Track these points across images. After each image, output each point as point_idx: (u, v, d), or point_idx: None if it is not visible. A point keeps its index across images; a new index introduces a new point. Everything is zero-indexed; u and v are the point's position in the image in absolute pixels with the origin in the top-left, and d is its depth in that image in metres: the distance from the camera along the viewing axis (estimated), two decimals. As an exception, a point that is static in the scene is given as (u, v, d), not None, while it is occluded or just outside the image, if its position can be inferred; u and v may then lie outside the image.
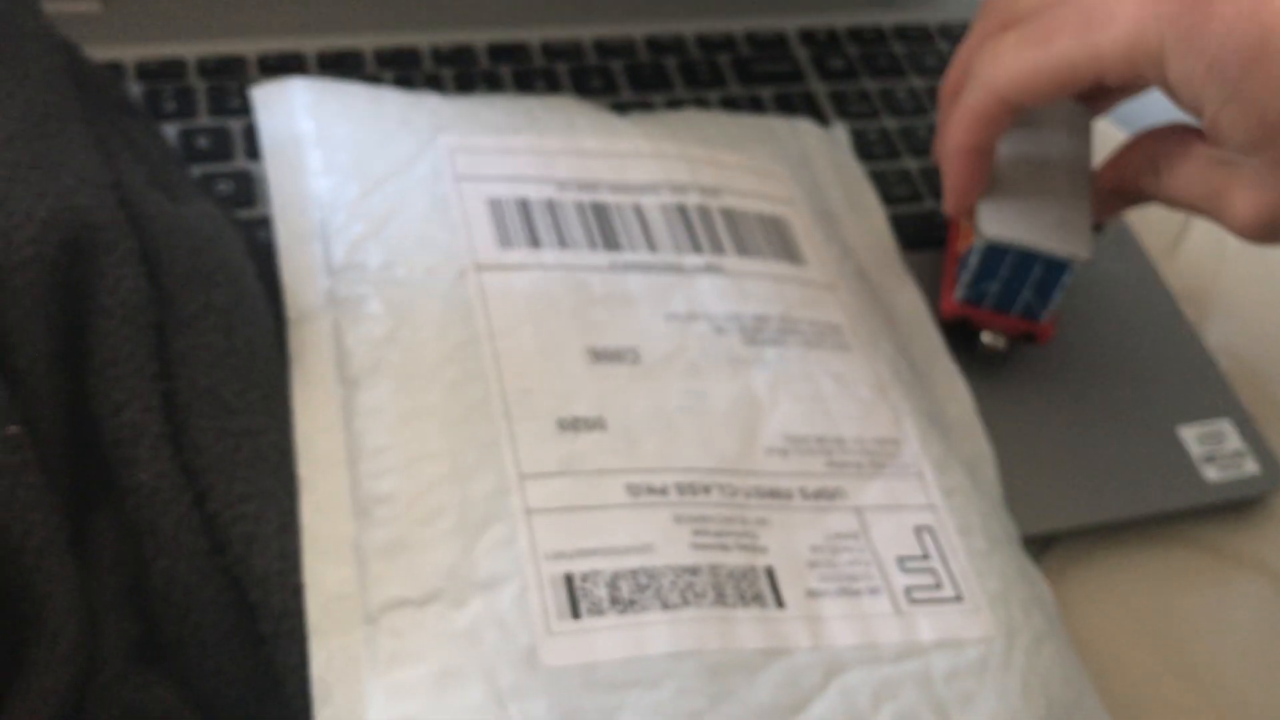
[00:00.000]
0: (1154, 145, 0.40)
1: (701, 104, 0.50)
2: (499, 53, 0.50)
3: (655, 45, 0.52)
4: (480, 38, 0.50)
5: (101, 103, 0.39)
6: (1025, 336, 0.44)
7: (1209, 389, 0.47)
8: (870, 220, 0.47)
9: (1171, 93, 0.35)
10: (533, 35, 0.51)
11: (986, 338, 0.44)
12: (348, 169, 0.40)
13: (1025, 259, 0.41)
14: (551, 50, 0.51)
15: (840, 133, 0.50)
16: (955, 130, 0.40)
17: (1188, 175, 0.38)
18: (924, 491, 0.37)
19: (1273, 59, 0.32)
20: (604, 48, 0.51)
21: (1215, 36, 0.33)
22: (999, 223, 0.41)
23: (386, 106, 0.42)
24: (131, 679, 0.29)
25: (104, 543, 0.31)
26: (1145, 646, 0.41)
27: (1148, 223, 0.53)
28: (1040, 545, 0.42)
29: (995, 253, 0.41)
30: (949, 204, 0.42)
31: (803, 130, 0.49)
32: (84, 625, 0.29)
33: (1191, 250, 0.54)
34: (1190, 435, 0.45)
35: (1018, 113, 0.39)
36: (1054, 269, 0.41)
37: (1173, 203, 0.39)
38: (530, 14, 0.52)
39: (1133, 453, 0.44)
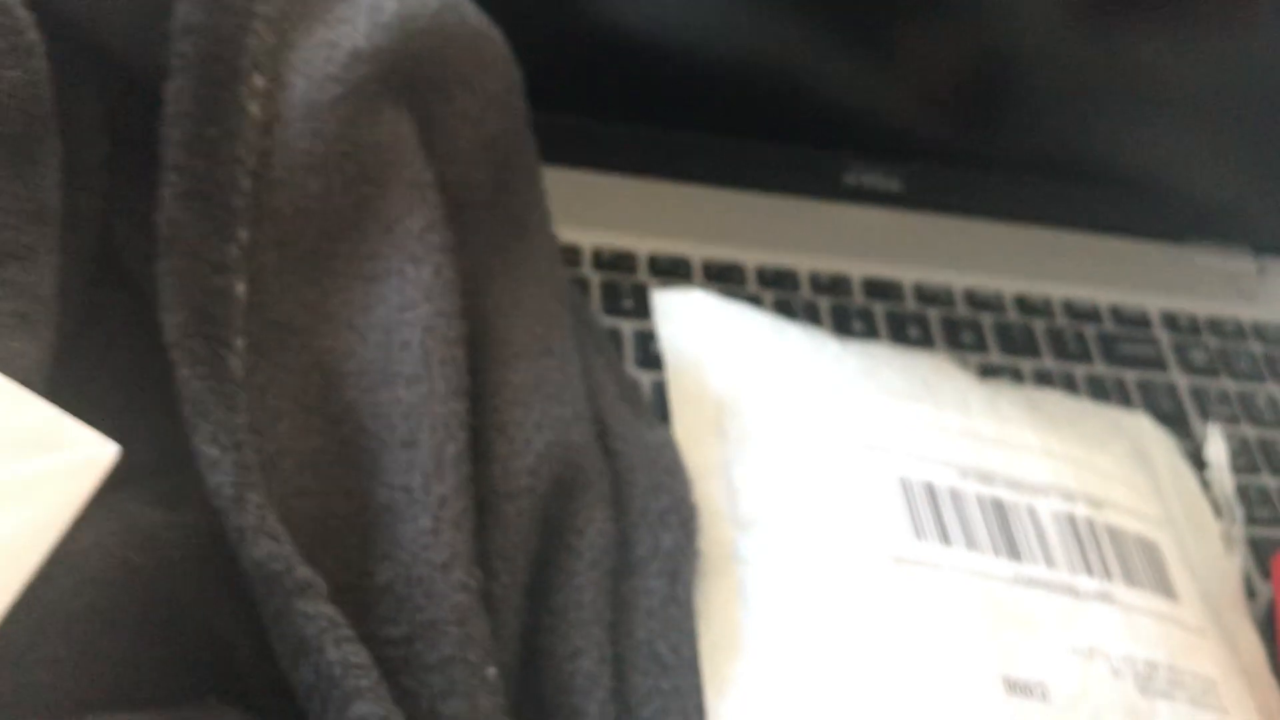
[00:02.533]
0: None
1: (1068, 378, 0.49)
2: (873, 288, 0.50)
3: (1024, 305, 0.52)
4: (856, 270, 0.50)
5: (574, 307, 0.39)
6: None
7: None
8: (1209, 544, 0.45)
9: None
10: (906, 275, 0.51)
11: None
12: (757, 409, 0.39)
13: None
14: (924, 294, 0.51)
15: (1169, 436, 0.48)
16: None
17: None
18: None
19: None
20: (974, 299, 0.51)
21: None
22: None
23: (792, 346, 0.42)
24: None
25: None
26: None
27: None
28: None
29: None
30: None
31: (1144, 429, 0.47)
32: None
33: None
34: None
35: None
36: None
37: None
38: (906, 252, 0.52)
39: None
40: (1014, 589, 0.37)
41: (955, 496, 0.39)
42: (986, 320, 0.50)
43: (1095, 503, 0.41)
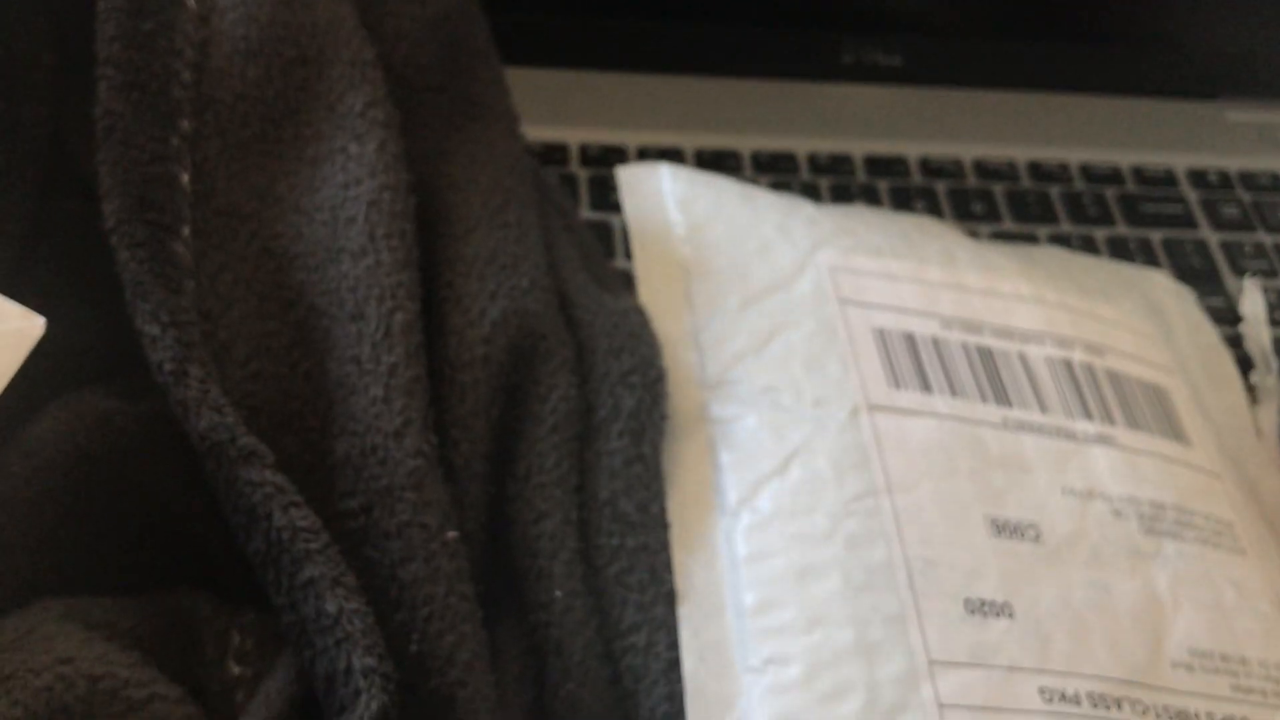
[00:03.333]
0: None
1: (1087, 241, 0.48)
2: (876, 165, 0.49)
3: (1038, 172, 0.50)
4: (858, 148, 0.49)
5: (537, 182, 0.39)
6: None
7: None
8: (1230, 396, 0.43)
9: None
10: (912, 150, 0.49)
11: None
12: (724, 274, 0.38)
13: None
14: (930, 168, 0.49)
15: (1189, 291, 0.46)
16: None
17: None
18: (1332, 733, 0.33)
19: None
20: (984, 169, 0.49)
21: None
22: None
23: (761, 210, 0.41)
24: None
25: (510, 656, 0.30)
26: None
27: None
28: None
29: None
30: None
31: (1157, 282, 0.45)
32: None
33: None
34: None
35: None
36: None
37: None
38: (910, 128, 0.50)
39: None
40: (1002, 433, 0.36)
41: (937, 345, 0.38)
42: (998, 189, 0.49)
43: (1094, 349, 0.40)
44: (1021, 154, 0.50)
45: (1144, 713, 0.31)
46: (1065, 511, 0.34)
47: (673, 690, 0.29)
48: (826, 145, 0.49)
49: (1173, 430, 0.39)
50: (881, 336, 0.37)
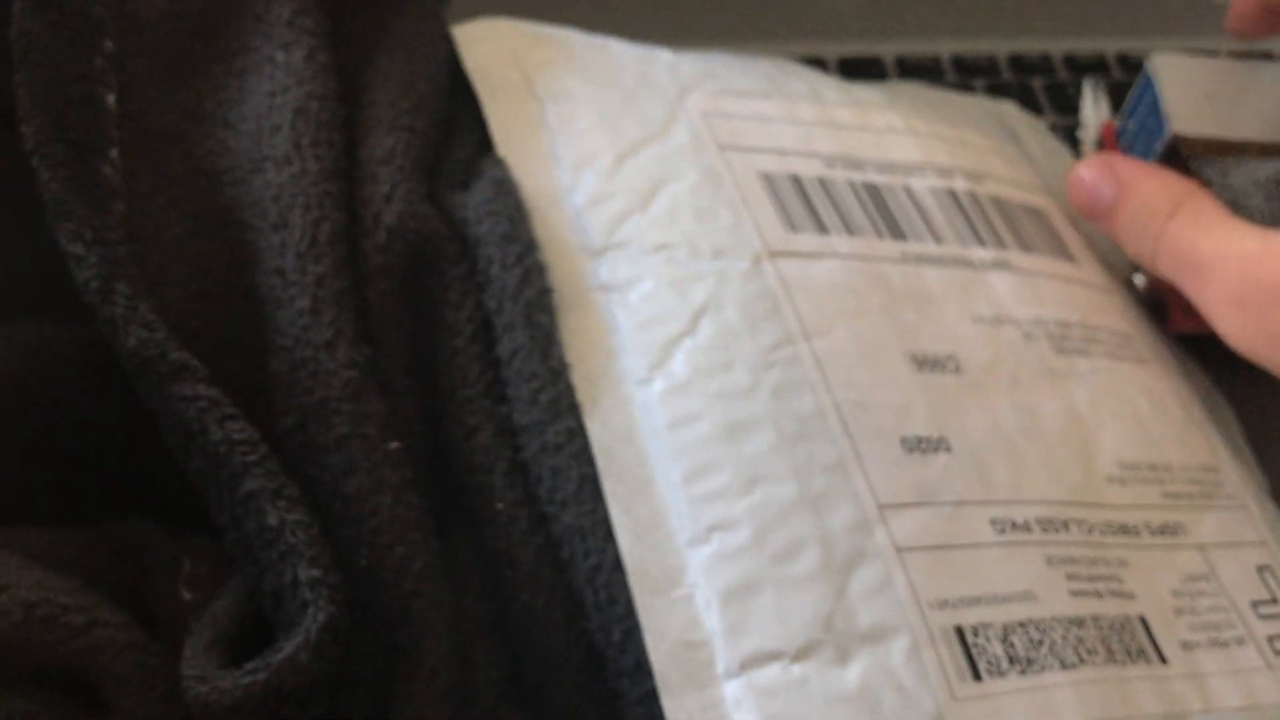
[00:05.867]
0: None
1: (1071, 135, 0.46)
2: (850, 67, 0.47)
3: (1020, 64, 0.49)
4: (833, 51, 0.47)
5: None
6: None
7: None
8: None
9: None
10: (888, 50, 0.48)
11: None
12: (592, 128, 0.35)
13: None
14: (907, 66, 0.48)
15: (1036, 119, 0.46)
16: None
17: None
18: (1252, 526, 0.33)
19: None
20: (964, 65, 0.48)
21: None
22: None
23: (618, 58, 0.38)
24: (502, 714, 0.27)
25: (469, 569, 0.28)
26: None
27: None
28: None
29: None
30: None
31: (1008, 113, 0.45)
32: (462, 655, 0.27)
33: None
34: None
35: None
36: None
37: None
38: (885, 27, 0.49)
39: None
40: (904, 267, 0.34)
41: (825, 185, 0.36)
42: (979, 85, 0.47)
43: (973, 176, 0.38)
44: (1002, 47, 0.49)
45: (1090, 531, 0.30)
46: (979, 340, 0.33)
47: (614, 575, 0.27)
48: (802, 48, 0.47)
49: (1061, 250, 0.38)
50: (769, 180, 0.35)
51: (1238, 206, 0.38)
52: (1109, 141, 0.44)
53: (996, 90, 0.48)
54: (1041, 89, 0.48)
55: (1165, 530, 0.31)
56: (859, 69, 0.48)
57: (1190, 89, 0.41)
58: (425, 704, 0.26)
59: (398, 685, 0.27)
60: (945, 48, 0.49)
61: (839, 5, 0.50)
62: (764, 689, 0.25)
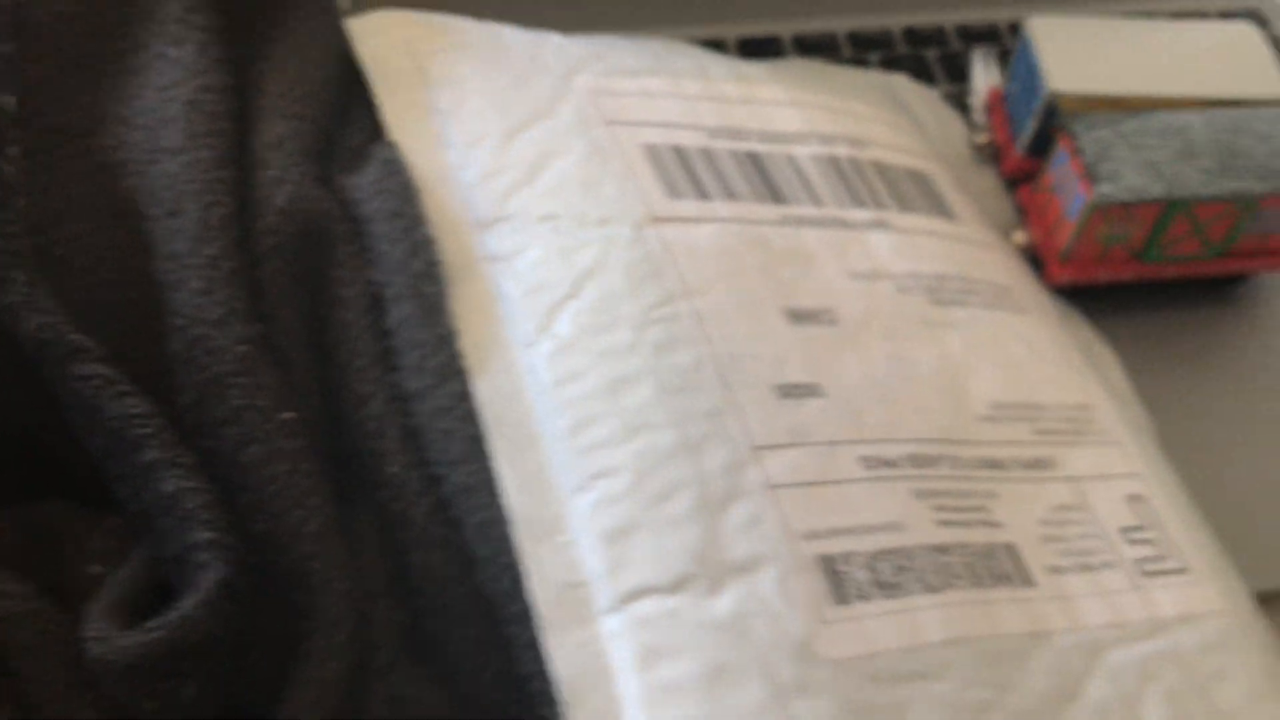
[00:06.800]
0: None
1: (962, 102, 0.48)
2: (750, 47, 0.48)
3: (914, 37, 0.50)
4: (732, 32, 0.49)
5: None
6: None
7: None
8: (984, 179, 0.45)
9: None
10: (785, 29, 0.49)
11: None
12: (482, 110, 0.36)
13: None
14: (805, 44, 0.49)
15: (929, 89, 0.48)
16: None
17: None
18: (1125, 460, 0.35)
19: None
20: (859, 40, 0.49)
21: None
22: None
23: (508, 43, 0.39)
24: (401, 669, 0.28)
25: (367, 530, 0.30)
26: None
27: None
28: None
29: None
30: None
31: (898, 85, 0.47)
32: (360, 613, 0.28)
33: None
34: None
35: None
36: None
37: None
38: (779, 5, 0.50)
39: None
40: (783, 230, 0.36)
41: (707, 155, 0.37)
42: (874, 59, 0.49)
43: (856, 142, 0.40)
44: (897, 21, 0.50)
45: (959, 466, 0.32)
46: (855, 294, 0.35)
47: (502, 528, 0.28)
48: (703, 31, 0.48)
49: (941, 209, 0.40)
50: (652, 152, 0.36)
51: (1103, 158, 0.39)
52: (995, 105, 0.45)
53: (892, 63, 0.49)
54: (935, 60, 0.50)
55: (1036, 464, 0.33)
56: (758, 49, 0.49)
57: (1066, 49, 0.42)
58: (324, 659, 0.27)
59: (298, 644, 0.28)
60: (842, 25, 0.50)
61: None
62: (640, 621, 0.26)
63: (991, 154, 0.45)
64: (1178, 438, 0.39)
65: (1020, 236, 0.42)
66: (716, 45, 0.49)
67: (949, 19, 0.51)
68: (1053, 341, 0.37)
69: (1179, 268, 0.42)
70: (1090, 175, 0.39)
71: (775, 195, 0.37)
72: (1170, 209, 0.40)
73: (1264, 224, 0.41)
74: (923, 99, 0.47)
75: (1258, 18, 0.52)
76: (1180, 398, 0.41)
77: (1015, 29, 0.53)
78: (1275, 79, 0.43)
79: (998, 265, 0.39)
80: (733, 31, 0.50)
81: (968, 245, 0.39)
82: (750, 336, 0.32)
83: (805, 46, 0.49)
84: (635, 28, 0.49)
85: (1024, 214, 0.43)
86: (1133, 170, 0.39)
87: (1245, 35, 0.43)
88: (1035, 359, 0.36)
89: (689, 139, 0.37)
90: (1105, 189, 0.39)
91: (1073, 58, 0.42)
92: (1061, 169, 0.41)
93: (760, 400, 0.30)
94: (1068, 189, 0.40)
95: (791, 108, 0.40)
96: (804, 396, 0.31)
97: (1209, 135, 0.40)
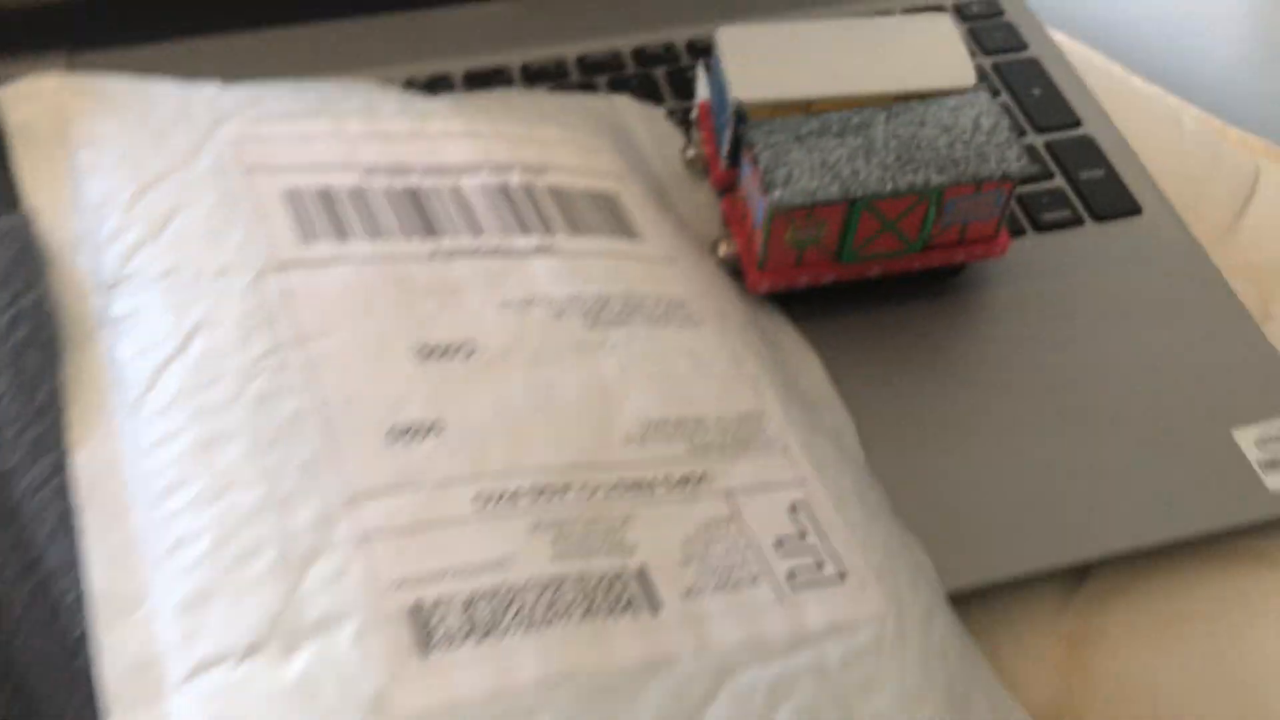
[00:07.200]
0: None
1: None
2: (476, 79, 0.49)
3: (643, 56, 0.50)
4: (458, 66, 0.49)
5: None
6: None
7: (1270, 384, 0.41)
8: (699, 194, 0.44)
9: None
10: (514, 59, 0.49)
11: None
12: (116, 168, 0.35)
13: None
14: (531, 73, 0.49)
15: (655, 109, 0.47)
16: None
17: None
18: (792, 466, 0.34)
19: None
20: (587, 64, 0.49)
21: None
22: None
23: (156, 98, 0.38)
24: None
25: None
26: (1214, 692, 0.35)
27: (1202, 195, 0.49)
28: (1075, 577, 0.37)
29: None
30: None
31: (620, 106, 0.46)
32: None
33: (1256, 225, 0.47)
34: (1248, 438, 0.40)
35: None
36: None
37: None
38: (510, 38, 0.50)
39: (1180, 461, 0.39)
40: (431, 265, 0.34)
41: (358, 194, 0.36)
42: (601, 81, 0.49)
43: (533, 169, 0.39)
44: (623, 42, 0.50)
45: (593, 493, 0.30)
46: (501, 324, 0.33)
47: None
48: (428, 68, 0.48)
49: (622, 229, 0.39)
50: (293, 196, 0.35)
51: (778, 164, 0.39)
52: (703, 117, 0.45)
53: (620, 84, 0.49)
54: (664, 77, 0.49)
55: (687, 481, 0.32)
56: (484, 80, 0.48)
57: (750, 56, 0.42)
58: None
59: None
60: (571, 50, 0.50)
61: (463, 24, 0.50)
62: (208, 693, 0.25)
63: (703, 167, 0.45)
64: (887, 436, 0.39)
65: (724, 247, 0.41)
66: (444, 81, 0.48)
67: (680, 35, 0.51)
68: (727, 352, 0.36)
69: (882, 265, 0.41)
70: (765, 182, 0.38)
71: (429, 229, 0.35)
72: (853, 208, 0.39)
73: (957, 214, 0.41)
74: (644, 118, 0.47)
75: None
76: (893, 395, 0.41)
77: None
78: (965, 69, 0.42)
79: (676, 280, 0.38)
80: (459, 65, 0.49)
81: (644, 263, 0.38)
82: (368, 378, 0.30)
83: (532, 75, 0.49)
84: (356, 70, 0.48)
85: (727, 224, 0.42)
86: (808, 173, 0.39)
87: (937, 25, 0.43)
88: (700, 372, 0.35)
89: (340, 179, 0.36)
90: (777, 194, 0.38)
91: (759, 64, 0.42)
92: (747, 178, 0.40)
93: (367, 445, 0.29)
94: (753, 197, 0.40)
95: (466, 139, 0.39)
96: (421, 436, 0.30)
97: (890, 130, 0.40)
